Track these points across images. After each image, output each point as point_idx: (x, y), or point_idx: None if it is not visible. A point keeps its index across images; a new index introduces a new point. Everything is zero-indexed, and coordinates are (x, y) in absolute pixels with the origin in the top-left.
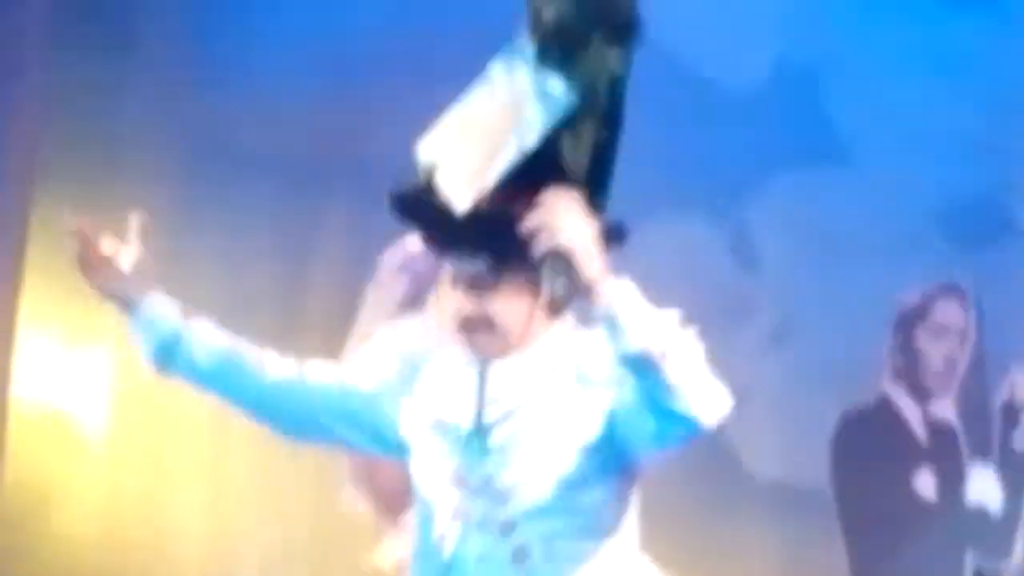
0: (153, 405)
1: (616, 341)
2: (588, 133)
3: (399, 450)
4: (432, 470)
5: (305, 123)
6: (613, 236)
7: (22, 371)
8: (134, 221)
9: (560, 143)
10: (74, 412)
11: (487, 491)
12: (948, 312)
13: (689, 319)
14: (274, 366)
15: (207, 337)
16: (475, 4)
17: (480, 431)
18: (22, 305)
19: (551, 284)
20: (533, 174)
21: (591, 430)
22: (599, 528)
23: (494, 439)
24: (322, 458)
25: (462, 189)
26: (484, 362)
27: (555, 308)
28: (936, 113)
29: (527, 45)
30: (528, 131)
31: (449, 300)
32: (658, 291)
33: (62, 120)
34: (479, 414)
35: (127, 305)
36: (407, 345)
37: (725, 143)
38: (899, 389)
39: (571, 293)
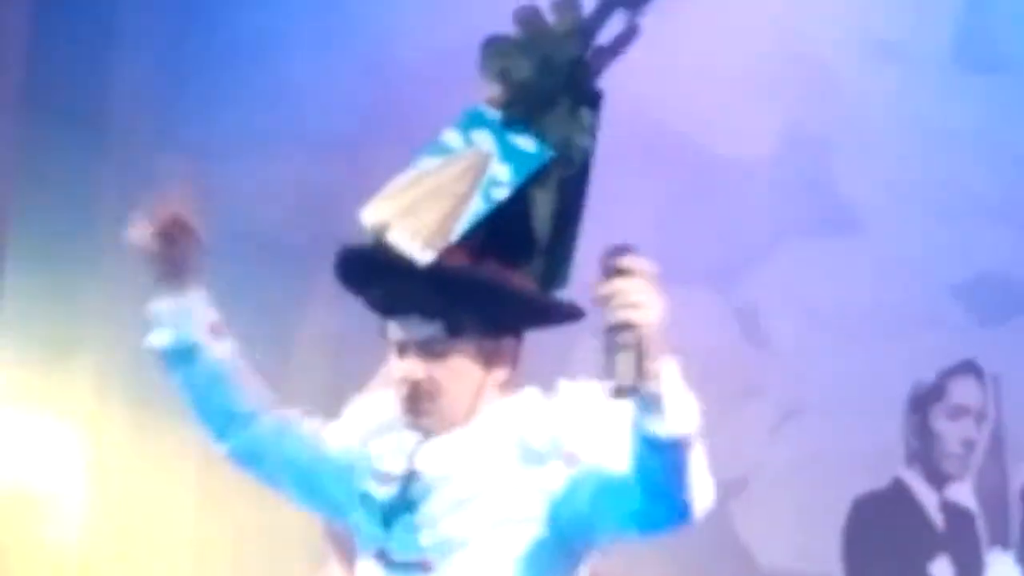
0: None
1: (650, 420)
2: (553, 196)
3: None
4: (361, 541)
5: (292, 196)
6: (574, 314)
7: None
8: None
9: (531, 202)
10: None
11: (408, 566)
12: (965, 392)
13: (695, 397)
14: (270, 415)
15: (224, 363)
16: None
17: (406, 504)
18: None
19: (612, 359)
20: (498, 235)
21: (531, 509)
22: None
23: (420, 515)
24: (309, 537)
25: (423, 243)
26: (425, 434)
27: (620, 393)
28: (952, 184)
29: (485, 111)
30: (496, 186)
31: (395, 368)
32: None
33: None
34: (405, 487)
35: (176, 283)
36: (373, 415)
37: (733, 215)
38: (914, 473)
39: (634, 371)
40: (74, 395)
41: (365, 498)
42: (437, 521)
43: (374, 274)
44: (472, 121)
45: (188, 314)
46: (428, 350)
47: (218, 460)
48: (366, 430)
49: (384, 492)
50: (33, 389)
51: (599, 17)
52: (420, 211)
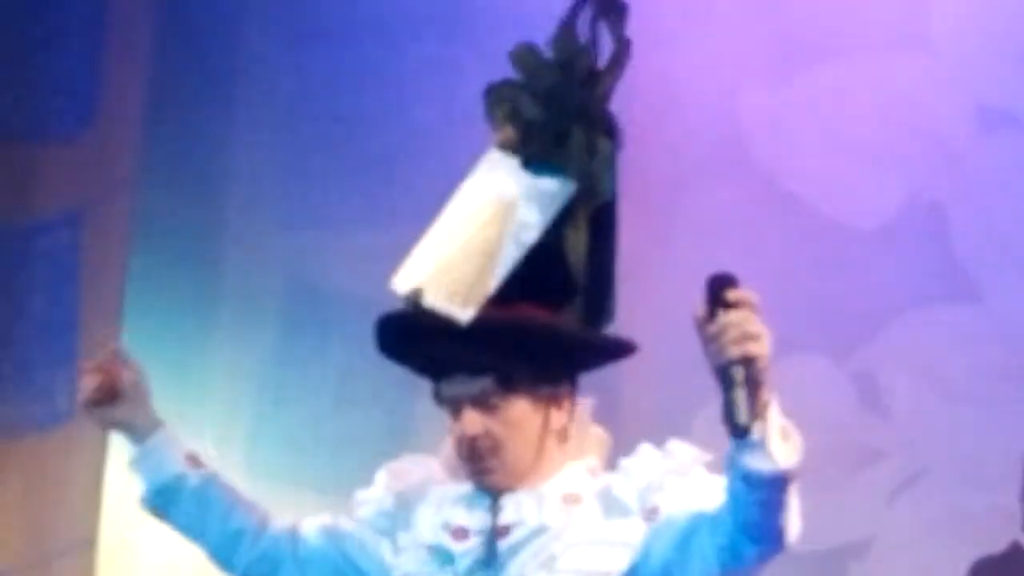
0: None
1: (753, 457)
2: (585, 232)
3: None
4: None
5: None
6: (627, 349)
7: None
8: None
9: (564, 241)
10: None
11: None
12: None
13: (812, 463)
14: (270, 527)
15: (207, 490)
16: None
17: (493, 558)
18: None
19: (731, 397)
20: (535, 279)
21: (616, 563)
22: None
23: (505, 571)
24: None
25: (461, 301)
26: (496, 495)
27: (741, 431)
28: None
29: (503, 158)
30: (525, 230)
31: (453, 428)
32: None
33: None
34: (491, 541)
35: (134, 435)
36: (406, 482)
37: (852, 283)
38: None
39: (751, 407)
40: None
41: (438, 552)
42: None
43: (415, 340)
44: (490, 168)
45: (159, 455)
46: (483, 405)
47: None
48: (402, 497)
49: (463, 548)
50: None
51: (592, 39)
52: (452, 269)
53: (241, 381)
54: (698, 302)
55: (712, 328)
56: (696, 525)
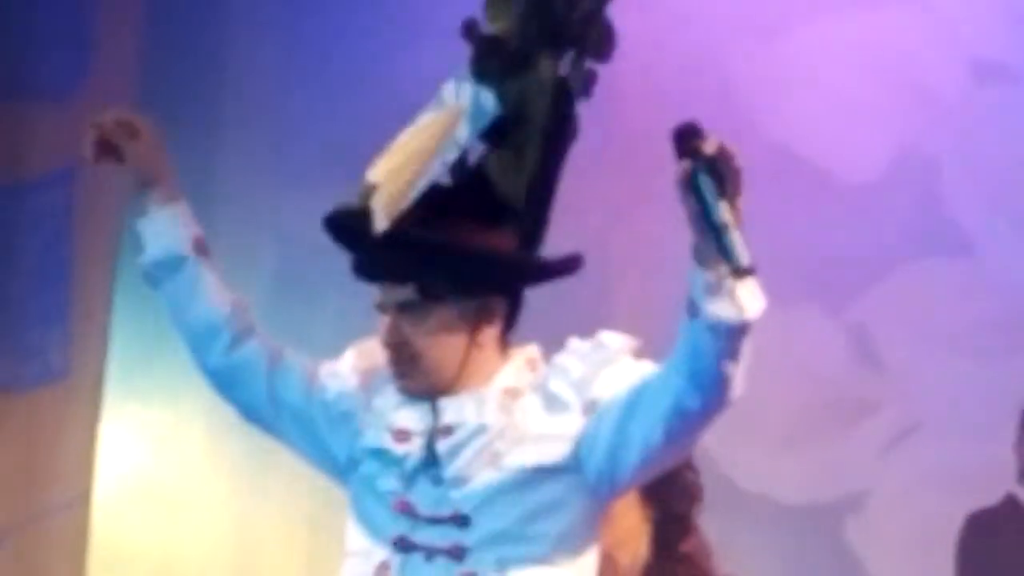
0: None
1: (720, 305)
2: (527, 155)
3: (339, 468)
4: (375, 496)
5: None
6: (566, 267)
7: None
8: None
9: (489, 163)
10: None
11: (438, 520)
12: None
13: (806, 417)
14: (257, 339)
15: (208, 281)
16: None
17: (433, 461)
18: None
19: (725, 240)
20: (468, 198)
21: (557, 455)
22: (558, 556)
23: (448, 470)
24: None
25: (383, 210)
26: (434, 398)
27: (745, 272)
28: None
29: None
30: (452, 148)
31: (380, 330)
32: (774, 388)
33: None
34: (430, 444)
35: (148, 194)
36: (372, 363)
37: (845, 236)
38: None
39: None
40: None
41: (381, 453)
42: (469, 476)
43: (349, 240)
44: (465, 73)
45: (173, 225)
46: (406, 313)
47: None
48: (367, 378)
49: (404, 449)
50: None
51: None
52: (399, 173)
53: None
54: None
55: (682, 174)
56: (635, 400)
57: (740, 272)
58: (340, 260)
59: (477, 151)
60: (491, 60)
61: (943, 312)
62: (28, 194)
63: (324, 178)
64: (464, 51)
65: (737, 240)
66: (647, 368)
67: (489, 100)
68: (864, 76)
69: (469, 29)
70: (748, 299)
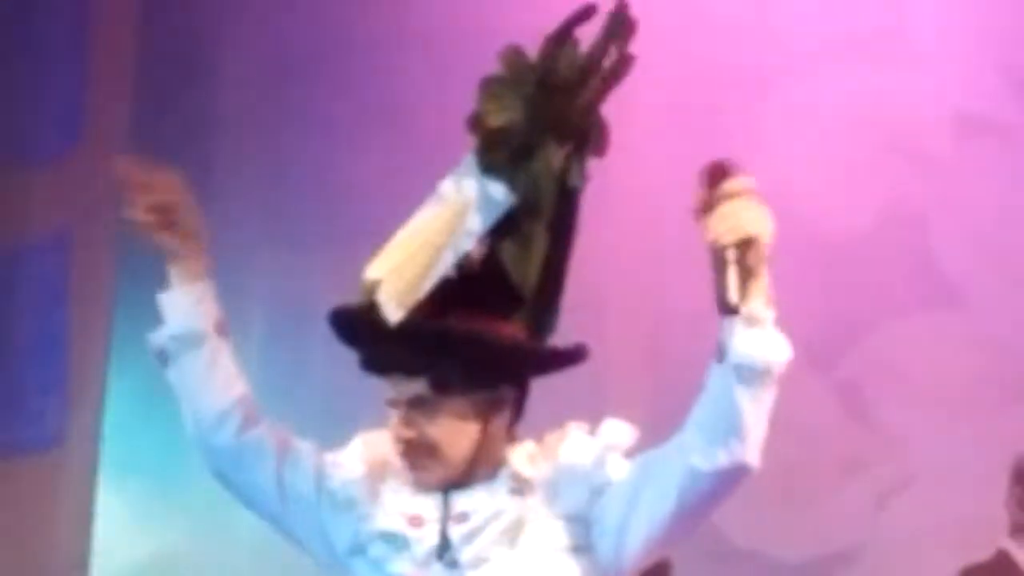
0: None
1: (747, 344)
2: (536, 244)
3: (335, 555)
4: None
5: None
6: (576, 356)
7: None
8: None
9: (502, 253)
10: None
11: None
12: None
13: (798, 473)
14: (266, 424)
15: (225, 363)
16: None
17: (448, 546)
18: None
19: (723, 275)
20: (477, 289)
21: (570, 537)
22: None
23: (464, 554)
24: None
25: (395, 303)
26: (445, 492)
27: (730, 308)
28: None
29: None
30: (465, 238)
31: (392, 424)
32: (766, 444)
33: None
34: (443, 533)
35: (185, 272)
36: (378, 454)
37: (832, 293)
38: (1019, 544)
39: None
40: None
41: (394, 537)
42: (487, 558)
43: (358, 335)
44: (465, 168)
45: (199, 303)
46: (418, 407)
47: None
48: (374, 469)
49: (418, 534)
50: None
51: (593, 52)
52: (405, 269)
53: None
54: (696, 192)
55: (709, 216)
56: (643, 474)
57: (727, 308)
58: (326, 324)
59: (484, 241)
60: (498, 152)
61: (933, 367)
62: (24, 259)
63: (315, 241)
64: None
65: (732, 278)
66: (653, 454)
67: (499, 191)
68: (850, 131)
69: (473, 121)
70: (774, 344)
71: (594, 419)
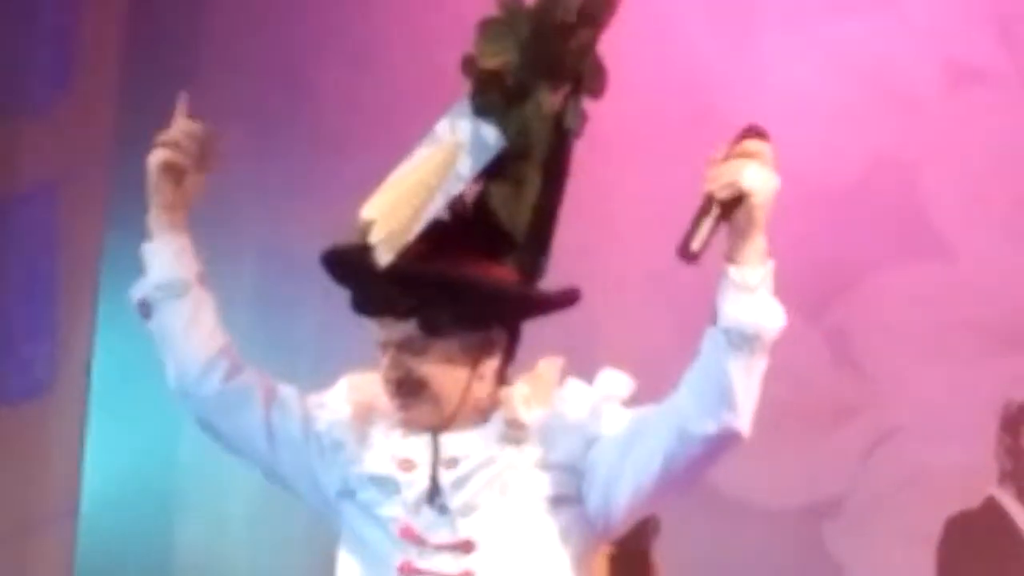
0: None
1: (735, 309)
2: (528, 187)
3: (327, 500)
4: (376, 523)
5: None
6: (566, 300)
7: None
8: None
9: (491, 196)
10: None
11: (446, 548)
12: None
13: (785, 421)
14: (250, 370)
15: (208, 313)
16: None
17: (438, 492)
18: None
19: (698, 221)
20: (468, 232)
21: (563, 486)
22: None
23: (454, 500)
24: None
25: (386, 245)
26: (434, 434)
27: (688, 254)
28: None
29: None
30: (455, 181)
31: (380, 367)
32: None
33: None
34: (434, 477)
35: (174, 222)
36: (366, 397)
37: (821, 241)
38: (1007, 492)
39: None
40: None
41: (383, 480)
42: (477, 505)
43: (349, 276)
44: (459, 108)
45: (182, 253)
46: (407, 348)
47: None
48: (361, 410)
49: (408, 477)
50: None
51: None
52: (399, 208)
53: None
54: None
55: (713, 163)
56: (634, 431)
57: (686, 254)
58: (320, 273)
59: (476, 184)
60: (491, 94)
61: (921, 316)
62: (13, 208)
63: (305, 192)
64: None
65: (703, 228)
66: (649, 408)
67: (491, 133)
68: (840, 81)
69: (467, 63)
70: (766, 310)
71: (588, 365)
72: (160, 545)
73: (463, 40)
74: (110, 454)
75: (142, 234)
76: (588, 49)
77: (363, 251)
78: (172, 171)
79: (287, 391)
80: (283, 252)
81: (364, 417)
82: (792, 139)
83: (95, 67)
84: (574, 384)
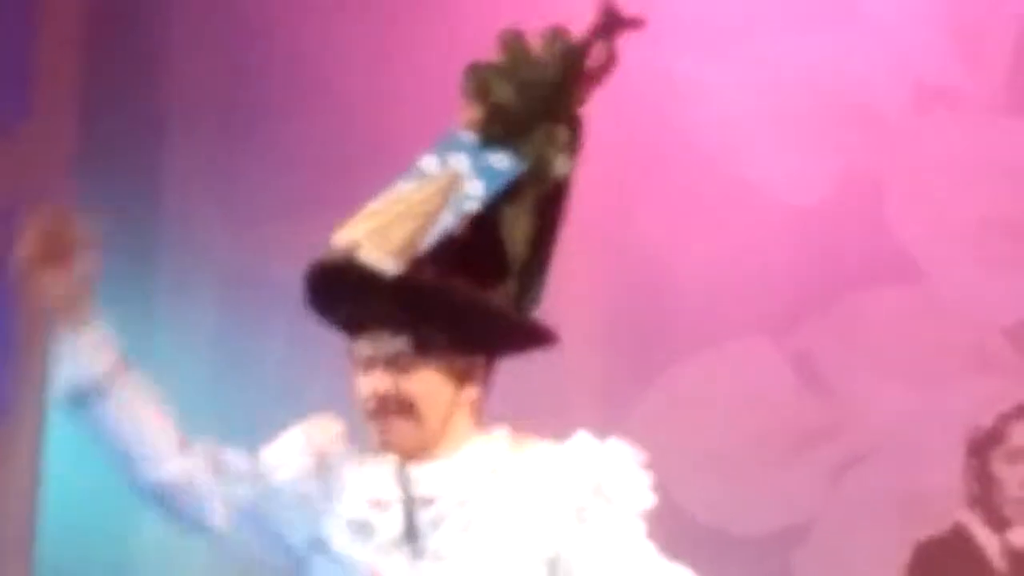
0: None
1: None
2: (533, 216)
3: (295, 554)
4: (346, 570)
5: None
6: (544, 338)
7: None
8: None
9: (501, 218)
10: None
11: None
12: None
13: (753, 445)
14: (196, 448)
15: (139, 396)
16: None
17: (413, 534)
18: None
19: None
20: (471, 253)
21: (539, 552)
22: None
23: (431, 543)
24: None
25: (392, 256)
26: (401, 462)
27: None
28: (1003, 225)
29: (461, 134)
30: (468, 201)
31: (362, 385)
32: (720, 416)
33: None
34: (409, 516)
35: (69, 316)
36: (324, 441)
37: (788, 261)
38: (975, 517)
39: None
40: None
41: (358, 525)
42: (451, 551)
43: (343, 290)
44: (448, 144)
45: (95, 349)
46: (396, 366)
47: None
48: (320, 458)
49: (382, 518)
50: None
51: (584, 49)
52: (390, 231)
53: (178, 374)
54: None
55: None
56: None
57: None
58: (286, 296)
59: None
60: (496, 127)
61: (889, 338)
62: None
63: (272, 213)
64: None
65: None
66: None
67: (503, 160)
68: (807, 100)
69: (480, 92)
70: None
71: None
72: (118, 570)
73: (428, 65)
74: (68, 478)
75: (102, 256)
76: (580, 102)
77: (359, 265)
78: (29, 276)
79: (236, 461)
80: (248, 274)
81: (327, 465)
82: (759, 158)
83: (55, 92)
84: (583, 442)
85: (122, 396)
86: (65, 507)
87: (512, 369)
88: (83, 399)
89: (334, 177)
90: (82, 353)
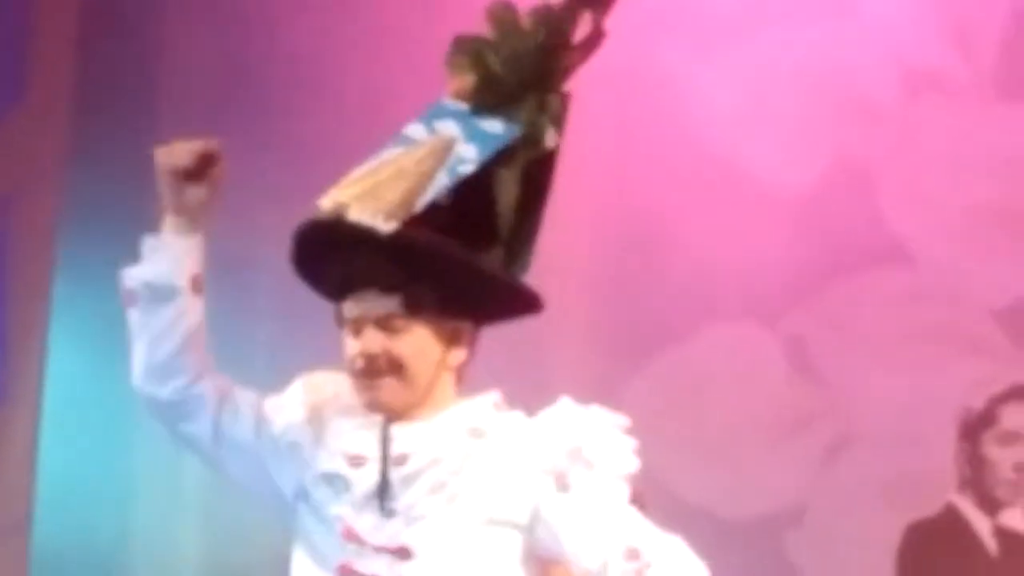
0: None
1: None
2: (526, 182)
3: (284, 501)
4: (323, 523)
5: None
6: (532, 303)
7: None
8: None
9: (493, 182)
10: None
11: (384, 551)
12: (1017, 417)
13: (745, 429)
14: (209, 376)
15: (190, 320)
16: None
17: (385, 491)
18: None
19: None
20: (463, 216)
21: (514, 513)
22: None
23: (400, 501)
24: None
25: (385, 216)
26: (386, 421)
27: None
28: (994, 210)
29: (449, 104)
30: (462, 164)
31: (350, 345)
32: (712, 400)
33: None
34: (384, 473)
35: (185, 221)
36: (321, 397)
37: (779, 247)
38: (967, 499)
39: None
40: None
41: (334, 478)
42: (422, 512)
43: (334, 249)
44: (436, 113)
45: (183, 256)
46: (385, 325)
47: None
48: (316, 411)
49: (358, 474)
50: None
51: (569, 18)
52: (380, 192)
53: None
54: None
55: None
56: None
57: None
58: (277, 272)
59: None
60: (487, 96)
61: (880, 323)
62: None
63: (262, 195)
64: None
65: None
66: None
67: (496, 125)
68: (798, 88)
69: (476, 60)
70: None
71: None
72: (114, 553)
73: (416, 47)
74: (63, 464)
75: (94, 245)
76: (567, 75)
77: (351, 224)
78: (166, 175)
79: (242, 397)
80: (240, 264)
81: (319, 418)
82: (751, 146)
83: (49, 80)
84: (566, 408)
85: (182, 313)
86: (62, 490)
87: (501, 350)
88: (145, 296)
89: (329, 172)
90: (173, 255)
